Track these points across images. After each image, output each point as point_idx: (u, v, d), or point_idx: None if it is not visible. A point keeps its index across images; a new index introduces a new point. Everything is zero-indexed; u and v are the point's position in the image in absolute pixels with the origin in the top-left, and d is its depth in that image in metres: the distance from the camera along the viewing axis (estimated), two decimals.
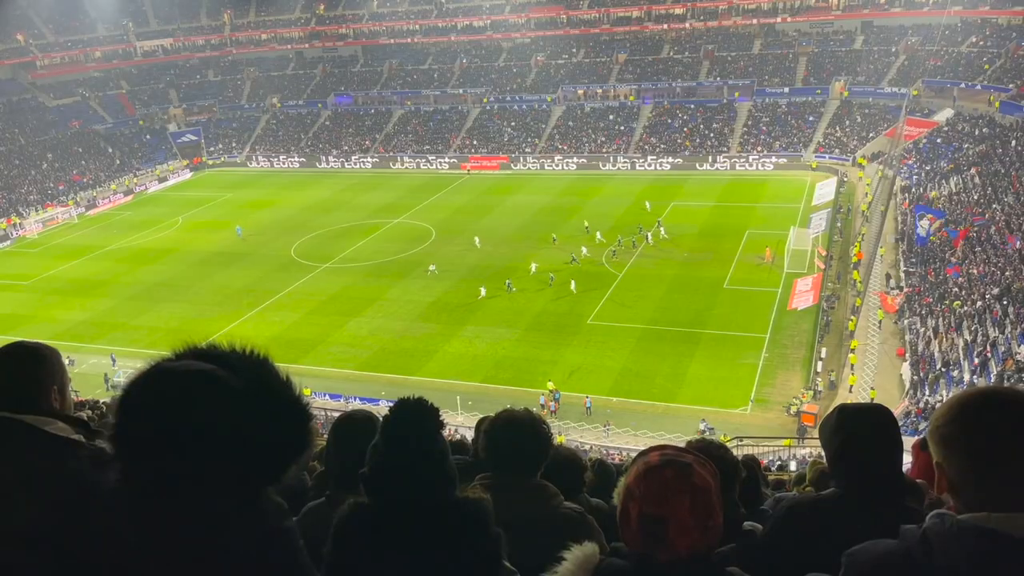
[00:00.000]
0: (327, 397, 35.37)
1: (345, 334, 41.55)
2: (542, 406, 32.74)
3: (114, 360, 38.74)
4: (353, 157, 78.25)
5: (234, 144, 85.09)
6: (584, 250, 47.80)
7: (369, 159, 77.57)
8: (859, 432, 3.01)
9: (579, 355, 37.32)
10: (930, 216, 43.87)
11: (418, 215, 60.29)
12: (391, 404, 2.53)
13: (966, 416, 1.77)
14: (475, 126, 78.76)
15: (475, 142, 76.47)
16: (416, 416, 2.41)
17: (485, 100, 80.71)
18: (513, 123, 77.40)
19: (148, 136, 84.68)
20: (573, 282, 43.65)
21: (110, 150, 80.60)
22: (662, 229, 50.54)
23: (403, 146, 78.51)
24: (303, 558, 1.83)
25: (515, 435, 3.24)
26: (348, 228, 58.32)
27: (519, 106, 79.17)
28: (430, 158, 75.43)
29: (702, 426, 30.36)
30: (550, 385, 33.68)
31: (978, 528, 1.68)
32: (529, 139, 74.94)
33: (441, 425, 2.43)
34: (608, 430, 31.54)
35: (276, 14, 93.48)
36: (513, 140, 75.42)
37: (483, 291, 43.74)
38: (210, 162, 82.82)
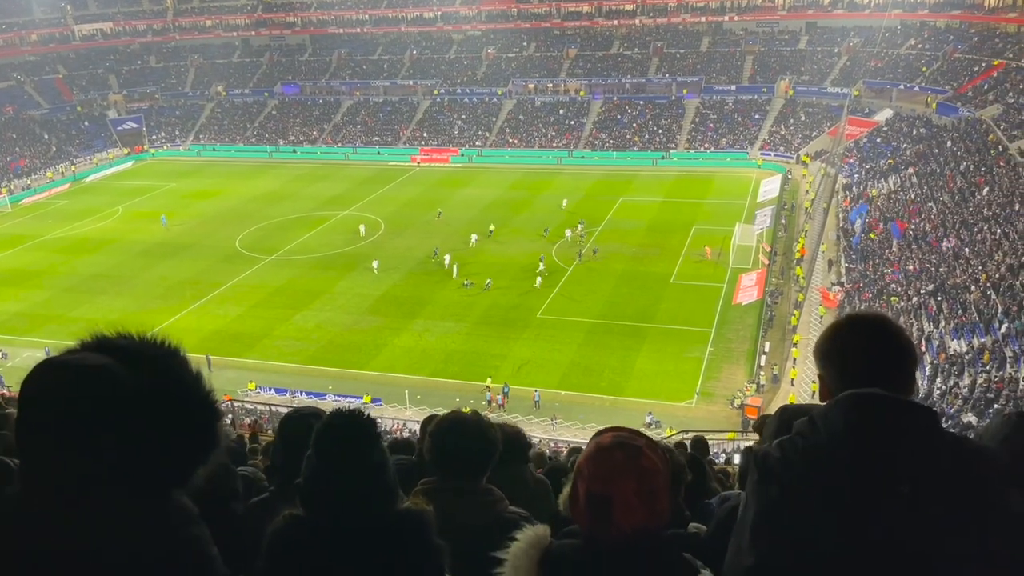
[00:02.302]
0: (273, 391, 34.87)
1: (291, 327, 40.94)
2: (488, 401, 32.79)
3: (48, 353, 37.36)
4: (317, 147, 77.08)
5: (177, 133, 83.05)
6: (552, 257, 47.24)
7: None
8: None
9: (528, 349, 37.42)
10: (862, 215, 45.16)
11: (367, 207, 59.68)
12: (325, 417, 2.40)
13: (834, 333, 2.21)
14: (425, 118, 78.25)
15: (425, 134, 75.99)
16: (348, 431, 2.29)
17: (436, 92, 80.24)
18: (464, 116, 77.12)
19: (86, 123, 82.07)
20: (540, 278, 43.77)
21: (46, 136, 77.91)
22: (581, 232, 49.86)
23: (352, 137, 77.60)
24: (212, 566, 1.72)
25: (460, 439, 3.15)
26: (295, 220, 57.44)
27: (470, 99, 78.90)
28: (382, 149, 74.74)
29: (648, 419, 30.74)
30: (488, 381, 33.67)
31: (849, 395, 2.03)
32: (480, 132, 74.77)
33: (376, 438, 2.31)
34: (556, 423, 31.71)
35: (221, 0, 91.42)
36: (464, 133, 75.15)
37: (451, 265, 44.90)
38: (152, 151, 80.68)
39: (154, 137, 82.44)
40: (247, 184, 67.93)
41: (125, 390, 1.57)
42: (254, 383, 35.49)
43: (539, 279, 43.52)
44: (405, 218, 56.55)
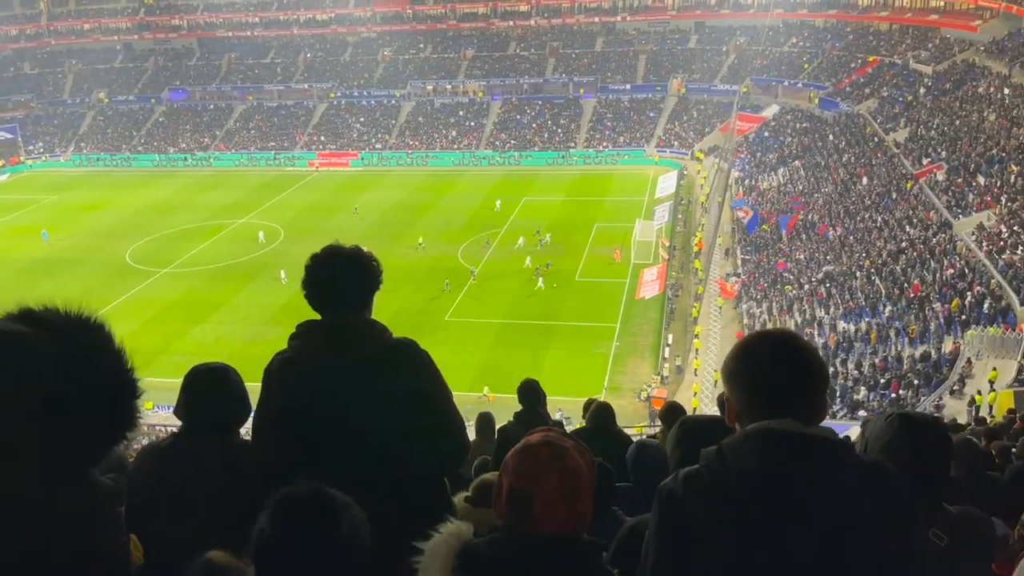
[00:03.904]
0: (170, 410, 33.42)
1: (190, 342, 39.42)
2: None
3: None
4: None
5: (57, 142, 78.69)
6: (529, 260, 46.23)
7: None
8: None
9: (438, 353, 36.31)
10: (743, 209, 46.89)
11: (265, 214, 58.06)
12: (277, 498, 1.92)
13: (741, 354, 2.11)
14: (322, 121, 76.76)
15: (323, 138, 74.55)
16: (307, 518, 1.87)
17: (332, 95, 78.83)
18: (362, 118, 76.06)
19: None
20: (540, 278, 43.24)
21: None
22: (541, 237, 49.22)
23: (246, 142, 75.36)
24: (126, 547, 1.67)
25: (336, 269, 3.00)
26: (189, 230, 55.33)
27: (367, 101, 77.86)
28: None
29: (559, 415, 31.00)
30: (485, 390, 33.10)
31: (760, 430, 1.98)
32: (379, 135, 73.90)
33: (338, 521, 1.88)
34: (468, 427, 31.57)
35: (100, 3, 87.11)
36: (363, 136, 74.12)
37: None
38: (30, 162, 76.16)
39: (31, 148, 77.83)
40: (136, 194, 64.99)
41: (44, 359, 1.50)
42: (151, 402, 33.86)
43: (540, 280, 43.13)
44: (305, 224, 55.26)
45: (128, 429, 1.62)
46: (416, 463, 2.80)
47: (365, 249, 3.07)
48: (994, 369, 24.91)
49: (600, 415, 5.81)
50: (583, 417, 6.97)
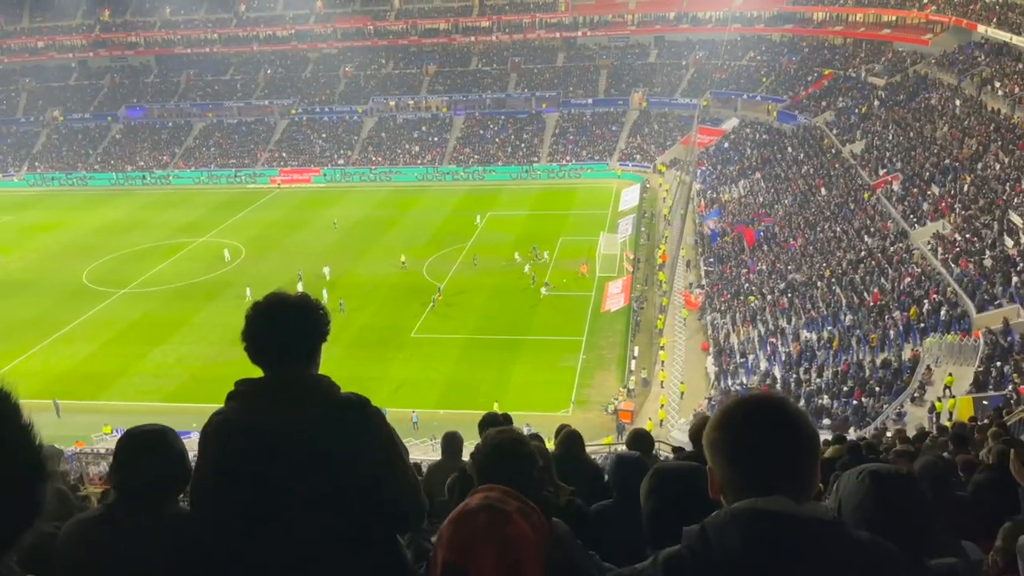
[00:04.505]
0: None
1: (150, 364, 38.66)
2: None
3: None
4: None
5: (10, 162, 76.97)
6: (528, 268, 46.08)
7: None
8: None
9: (404, 369, 36.89)
10: (712, 219, 47.45)
11: (226, 233, 57.29)
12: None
13: (722, 420, 1.90)
14: (284, 138, 76.14)
15: (284, 154, 73.92)
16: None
17: (293, 111, 78.27)
18: (324, 135, 75.60)
19: None
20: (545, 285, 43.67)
21: None
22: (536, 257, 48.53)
23: (206, 160, 74.42)
24: None
25: (277, 320, 2.66)
26: (148, 249, 54.36)
27: (329, 117, 77.44)
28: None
29: (526, 430, 30.82)
30: (496, 407, 32.79)
31: (747, 510, 1.80)
32: (342, 151, 73.49)
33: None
34: (435, 444, 31.31)
35: (54, 20, 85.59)
36: (325, 152, 73.65)
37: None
38: None
39: None
40: (92, 214, 63.77)
41: None
42: (110, 426, 33.12)
43: (544, 289, 43.41)
44: (268, 242, 54.69)
45: (34, 515, 1.45)
46: (368, 526, 2.60)
47: (311, 297, 2.79)
48: (950, 375, 25.38)
49: (569, 442, 5.72)
50: (553, 442, 6.85)
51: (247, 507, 2.49)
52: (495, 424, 6.17)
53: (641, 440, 5.51)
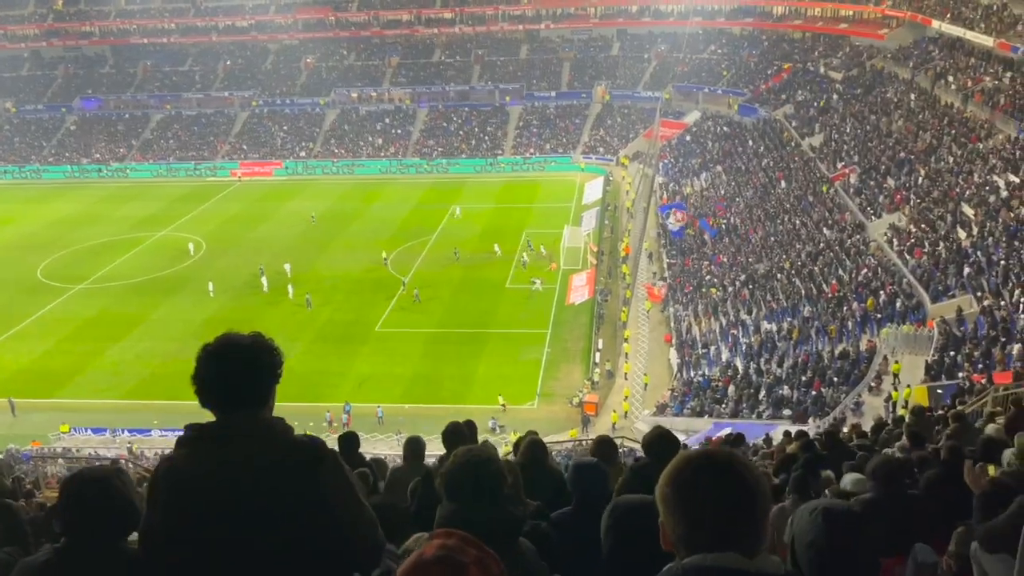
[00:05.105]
0: (89, 432, 32.19)
1: (107, 360, 38.02)
2: (328, 422, 31.93)
3: None
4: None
5: None
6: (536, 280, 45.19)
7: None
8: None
9: (369, 364, 36.72)
10: (675, 211, 47.66)
11: (186, 227, 56.37)
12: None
13: (674, 477, 1.91)
14: (244, 130, 75.05)
15: (245, 147, 72.89)
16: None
17: (254, 103, 77.13)
18: (286, 127, 74.66)
19: None
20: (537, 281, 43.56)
21: None
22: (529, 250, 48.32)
23: (165, 152, 73.09)
24: None
25: (229, 366, 2.57)
26: (105, 244, 53.33)
27: (291, 109, 76.46)
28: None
29: (491, 423, 30.97)
30: (500, 401, 32.91)
31: (697, 567, 1.82)
32: (303, 143, 72.67)
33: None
34: (400, 438, 31.26)
35: (5, 9, 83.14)
36: (286, 144, 72.76)
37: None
38: None
39: None
40: (47, 208, 62.32)
41: None
42: (67, 425, 32.60)
43: (537, 282, 43.36)
44: (229, 235, 53.96)
45: None
46: (324, 571, 2.54)
47: (265, 337, 2.66)
48: (896, 362, 26.00)
49: (532, 450, 5.73)
50: (515, 453, 6.84)
51: (197, 555, 2.43)
52: (458, 435, 6.17)
53: (604, 448, 5.56)
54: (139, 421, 32.65)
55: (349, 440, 7.00)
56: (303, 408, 32.72)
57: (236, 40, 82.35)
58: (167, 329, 40.44)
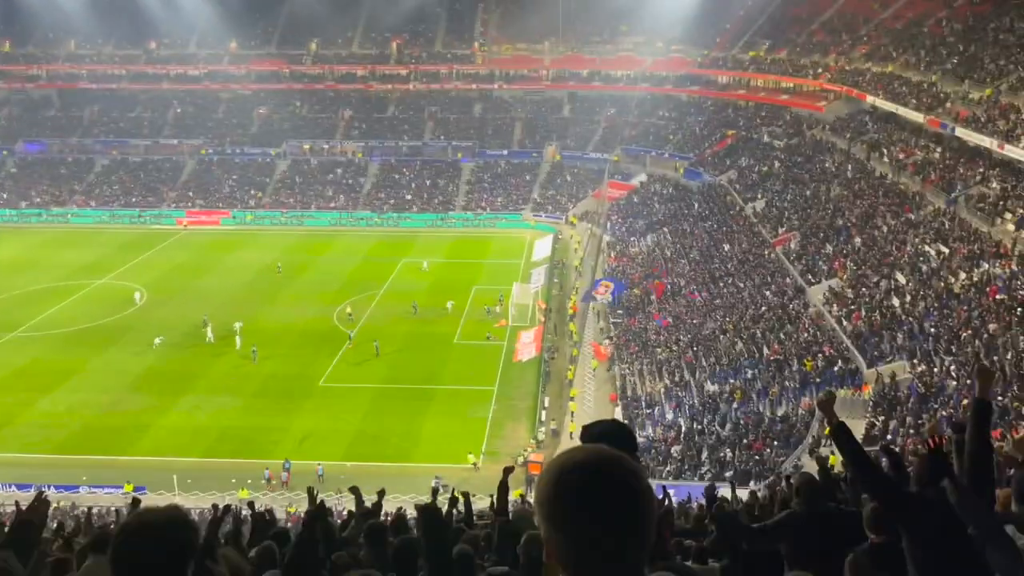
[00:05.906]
0: (14, 488, 30.74)
1: (37, 412, 36.62)
2: (266, 480, 31.15)
3: None
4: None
5: None
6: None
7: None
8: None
9: (311, 420, 36.04)
10: (605, 283, 47.05)
11: (128, 274, 55.15)
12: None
13: (542, 486, 1.75)
14: (191, 178, 74.25)
15: (192, 194, 72.02)
16: None
17: (203, 151, 76.52)
18: (235, 176, 74.10)
19: None
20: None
21: None
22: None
23: (110, 198, 71.76)
24: None
25: (141, 555, 2.35)
26: (41, 291, 51.73)
27: (241, 158, 76.03)
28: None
29: (435, 483, 30.42)
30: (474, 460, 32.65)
31: None
32: (253, 193, 72.07)
33: None
34: (341, 498, 30.57)
35: None
36: (235, 194, 72.10)
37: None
38: None
39: None
40: None
41: None
42: None
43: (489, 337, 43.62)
44: (172, 285, 52.91)
45: None
46: None
47: (180, 512, 2.44)
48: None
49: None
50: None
51: None
52: (404, 529, 6.10)
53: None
54: (68, 477, 31.40)
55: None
56: (242, 464, 32.00)
57: (187, 88, 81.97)
58: (103, 380, 39.27)
